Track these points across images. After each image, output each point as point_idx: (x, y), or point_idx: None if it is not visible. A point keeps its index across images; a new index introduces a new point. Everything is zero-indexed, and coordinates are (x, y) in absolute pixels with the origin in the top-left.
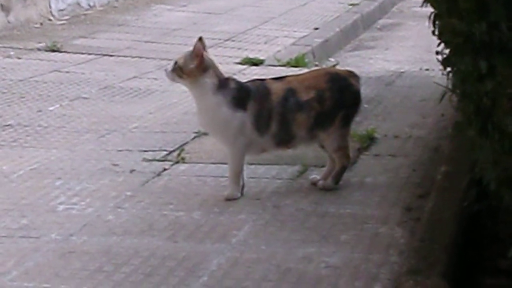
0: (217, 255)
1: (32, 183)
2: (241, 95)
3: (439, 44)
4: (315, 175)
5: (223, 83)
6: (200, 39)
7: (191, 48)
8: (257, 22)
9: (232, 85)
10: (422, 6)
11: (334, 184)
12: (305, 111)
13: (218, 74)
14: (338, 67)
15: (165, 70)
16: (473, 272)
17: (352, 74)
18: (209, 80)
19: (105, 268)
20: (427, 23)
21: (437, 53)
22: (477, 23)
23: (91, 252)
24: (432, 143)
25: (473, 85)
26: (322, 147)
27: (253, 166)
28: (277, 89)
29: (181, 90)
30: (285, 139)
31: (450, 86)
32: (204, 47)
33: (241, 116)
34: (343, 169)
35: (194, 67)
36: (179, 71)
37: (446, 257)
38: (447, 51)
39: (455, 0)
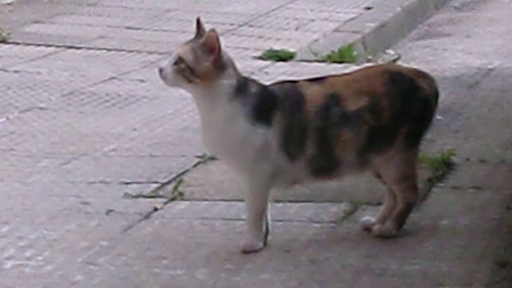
0: None
1: None
2: (264, 104)
3: None
4: (368, 216)
5: (242, 86)
6: (213, 30)
7: (192, 36)
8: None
9: (253, 89)
10: None
11: (396, 229)
12: (354, 126)
13: (237, 74)
14: (399, 62)
15: (160, 69)
16: None
17: (421, 73)
18: (227, 83)
19: None
20: None
21: None
22: None
23: None
24: None
25: None
26: (379, 176)
27: (281, 205)
28: (314, 94)
29: (178, 95)
30: (325, 166)
31: None
32: (218, 39)
33: (264, 132)
34: (408, 208)
35: (209, 65)
36: (186, 72)
37: None
38: None
39: None
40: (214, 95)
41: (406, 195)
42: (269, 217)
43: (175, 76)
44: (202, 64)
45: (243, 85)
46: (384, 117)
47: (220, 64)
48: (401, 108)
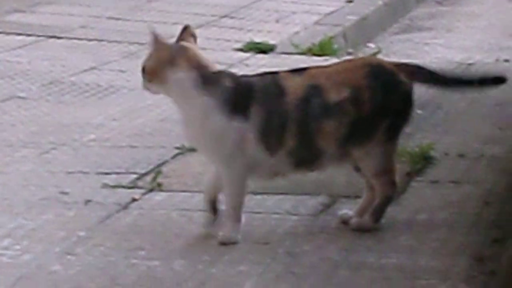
0: None
1: None
2: (240, 96)
3: None
4: (346, 210)
5: (211, 78)
6: (186, 27)
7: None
8: None
9: (226, 81)
10: None
11: (373, 222)
12: (335, 118)
13: (199, 65)
14: (380, 56)
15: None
16: None
17: (401, 66)
18: (184, 75)
19: None
20: None
21: None
22: None
23: None
24: (511, 165)
25: None
26: (358, 170)
27: (259, 197)
28: (294, 86)
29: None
30: (306, 158)
31: None
32: (187, 36)
33: (240, 126)
34: (386, 201)
35: (150, 61)
36: (143, 74)
37: None
38: None
39: None
40: (175, 90)
41: (384, 189)
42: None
43: (144, 83)
44: (146, 62)
45: (212, 78)
46: (365, 110)
47: (166, 55)
48: (382, 101)
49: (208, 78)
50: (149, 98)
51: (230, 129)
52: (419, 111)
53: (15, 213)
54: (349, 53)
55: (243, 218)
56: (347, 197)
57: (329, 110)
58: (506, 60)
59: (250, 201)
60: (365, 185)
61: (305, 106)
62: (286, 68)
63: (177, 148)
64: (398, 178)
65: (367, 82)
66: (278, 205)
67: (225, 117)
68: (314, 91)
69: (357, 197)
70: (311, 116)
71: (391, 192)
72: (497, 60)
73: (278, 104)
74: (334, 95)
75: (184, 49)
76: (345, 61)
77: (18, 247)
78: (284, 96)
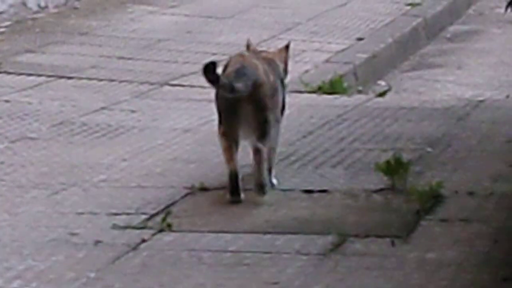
0: None
1: None
2: None
3: None
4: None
5: None
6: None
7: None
8: (276, 29)
9: None
10: (506, 10)
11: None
12: None
13: None
14: (391, 93)
15: None
16: None
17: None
18: None
19: None
20: None
21: None
22: None
23: None
24: None
25: None
26: None
27: (268, 236)
28: None
29: (168, 126)
30: None
31: None
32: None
33: None
34: None
35: None
36: None
37: None
38: None
39: None
40: None
41: None
42: None
43: None
44: None
45: None
46: None
47: None
48: None
49: None
50: (160, 138)
51: None
52: (429, 149)
53: (25, 255)
54: (359, 91)
55: (253, 258)
56: (356, 236)
57: None
58: None
59: (259, 241)
60: None
61: None
62: (296, 107)
63: (187, 188)
64: (408, 217)
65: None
66: (287, 244)
67: None
68: None
69: (367, 236)
70: None
71: None
72: (507, 96)
73: None
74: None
75: None
76: None
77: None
78: None
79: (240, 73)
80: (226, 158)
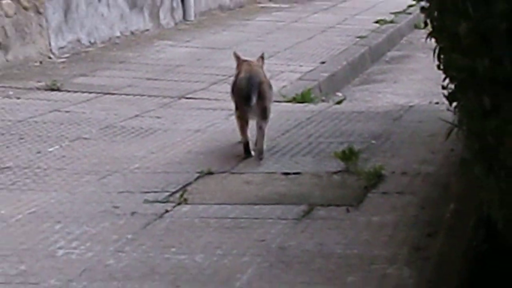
0: None
1: (31, 227)
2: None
3: (444, 79)
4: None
5: None
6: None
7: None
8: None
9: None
10: (426, 40)
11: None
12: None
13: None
14: (345, 102)
15: None
16: None
17: None
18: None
19: None
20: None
21: (443, 87)
22: (480, 59)
23: None
24: (441, 179)
25: (477, 122)
26: None
27: (257, 207)
28: None
29: (185, 128)
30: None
31: (457, 122)
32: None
33: None
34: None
35: None
36: None
37: None
38: (452, 86)
39: (458, 35)
40: None
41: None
42: None
43: None
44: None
45: None
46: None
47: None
48: None
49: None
50: (178, 136)
51: None
52: (373, 141)
53: (81, 223)
54: (323, 100)
55: (247, 223)
56: (321, 205)
57: None
58: (437, 103)
59: (251, 210)
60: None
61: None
62: (278, 113)
63: (198, 172)
64: (358, 191)
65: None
66: (271, 212)
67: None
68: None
69: (329, 205)
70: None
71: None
72: (430, 102)
73: None
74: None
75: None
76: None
77: (83, 247)
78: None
79: (251, 82)
80: (241, 133)
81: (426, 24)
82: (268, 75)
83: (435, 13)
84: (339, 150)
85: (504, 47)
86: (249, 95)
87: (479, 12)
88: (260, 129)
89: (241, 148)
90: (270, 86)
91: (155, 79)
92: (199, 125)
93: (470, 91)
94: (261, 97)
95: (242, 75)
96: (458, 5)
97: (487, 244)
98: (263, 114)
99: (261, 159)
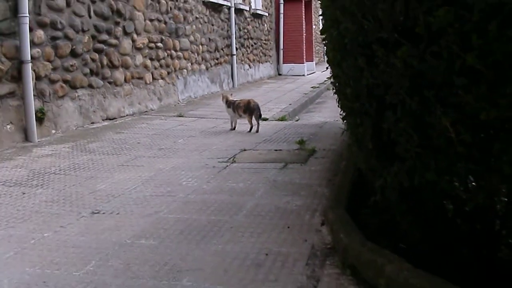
0: (249, 201)
1: (171, 172)
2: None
3: (341, 110)
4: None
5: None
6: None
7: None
8: (264, 102)
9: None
10: (334, 94)
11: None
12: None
13: (227, 100)
14: (301, 120)
15: None
16: (357, 207)
17: (251, 101)
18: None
19: (200, 207)
20: (335, 101)
21: (340, 114)
22: (355, 103)
23: (197, 201)
24: (339, 151)
25: (354, 128)
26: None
27: (264, 163)
28: (238, 101)
29: (235, 132)
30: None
31: (345, 128)
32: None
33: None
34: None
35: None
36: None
37: (346, 200)
38: (343, 113)
39: (346, 93)
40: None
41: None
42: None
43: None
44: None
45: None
46: (243, 107)
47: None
48: (247, 106)
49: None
50: (231, 135)
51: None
52: (311, 136)
53: (192, 171)
54: (290, 120)
55: (259, 169)
56: (290, 163)
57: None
58: (337, 120)
59: (261, 165)
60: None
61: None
62: (271, 127)
63: (241, 150)
64: (305, 157)
65: (246, 103)
66: (269, 166)
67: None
68: (236, 103)
69: (293, 163)
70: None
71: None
72: (334, 120)
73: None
74: (241, 104)
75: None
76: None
77: (193, 181)
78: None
79: (258, 106)
80: (249, 123)
81: (333, 88)
82: (267, 109)
83: (336, 84)
84: (297, 140)
85: (366, 99)
86: (259, 109)
87: (355, 84)
88: (258, 122)
89: (253, 139)
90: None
91: (221, 111)
92: (241, 129)
93: (351, 116)
94: (259, 110)
95: (252, 103)
96: (346, 80)
97: (360, 178)
98: (259, 117)
99: (257, 131)
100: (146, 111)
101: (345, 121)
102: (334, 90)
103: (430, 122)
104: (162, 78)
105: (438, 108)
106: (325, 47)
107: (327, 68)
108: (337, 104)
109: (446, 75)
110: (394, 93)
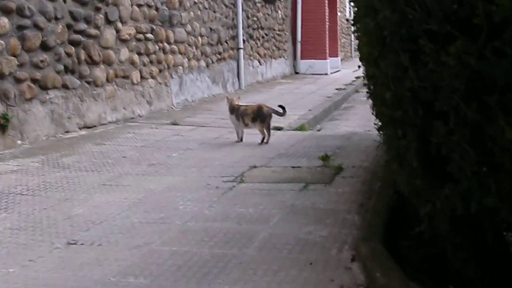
0: (262, 231)
1: (165, 194)
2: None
3: (376, 119)
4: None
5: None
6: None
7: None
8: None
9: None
10: (367, 99)
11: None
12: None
13: (232, 105)
14: (318, 128)
15: None
16: (396, 238)
17: (266, 107)
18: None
19: (201, 237)
20: (368, 106)
21: (374, 124)
22: (396, 111)
23: (197, 230)
24: (372, 169)
25: (394, 142)
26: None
27: (279, 184)
28: (244, 107)
29: (243, 144)
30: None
31: (381, 141)
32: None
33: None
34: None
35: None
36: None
37: (382, 230)
38: (379, 122)
39: (385, 98)
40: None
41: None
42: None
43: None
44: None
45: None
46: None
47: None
48: (258, 113)
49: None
50: (239, 148)
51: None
52: (337, 150)
53: (190, 192)
54: (311, 129)
55: (273, 191)
56: (312, 183)
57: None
58: (368, 131)
59: (276, 185)
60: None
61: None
62: (287, 137)
63: (250, 166)
64: (330, 176)
65: (256, 109)
66: (287, 186)
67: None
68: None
69: (316, 183)
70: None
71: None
72: (365, 130)
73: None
74: (249, 111)
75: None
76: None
77: (191, 204)
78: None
79: (271, 113)
80: (261, 133)
81: (367, 91)
82: (282, 119)
83: (371, 86)
84: (320, 154)
85: (410, 106)
86: (281, 112)
87: (396, 86)
88: (268, 132)
89: (265, 153)
90: (271, 116)
91: (225, 119)
92: (250, 140)
93: (390, 127)
94: (270, 118)
95: (264, 108)
96: (384, 81)
97: (399, 202)
98: (269, 127)
99: (267, 142)
100: (132, 118)
101: (381, 132)
102: (368, 94)
103: (491, 135)
104: (153, 77)
105: (500, 117)
106: (355, 40)
107: (359, 66)
108: (371, 111)
109: (510, 76)
110: (446, 98)
